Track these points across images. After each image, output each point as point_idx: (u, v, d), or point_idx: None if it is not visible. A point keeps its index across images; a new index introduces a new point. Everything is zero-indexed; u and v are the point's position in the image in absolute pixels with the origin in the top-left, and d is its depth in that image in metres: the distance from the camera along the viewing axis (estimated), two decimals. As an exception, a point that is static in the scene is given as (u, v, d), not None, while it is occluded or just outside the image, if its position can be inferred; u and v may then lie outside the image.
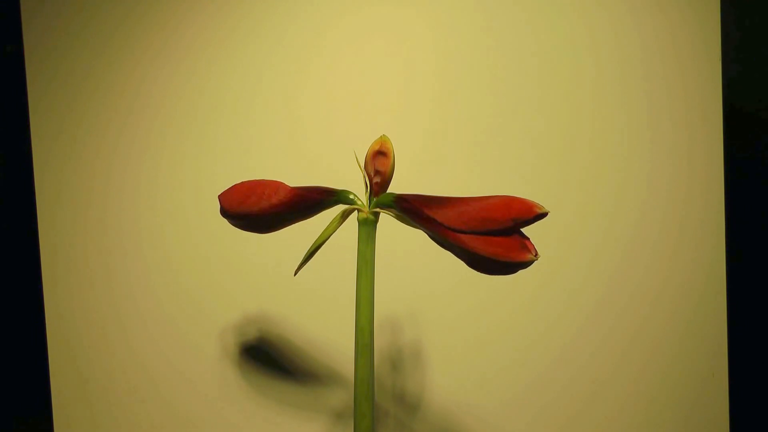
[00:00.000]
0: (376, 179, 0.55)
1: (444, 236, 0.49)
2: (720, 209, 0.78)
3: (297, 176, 0.72)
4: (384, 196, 0.53)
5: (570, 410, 0.78)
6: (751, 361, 0.80)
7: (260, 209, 0.54)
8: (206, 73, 0.76)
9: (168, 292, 0.77)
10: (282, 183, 0.54)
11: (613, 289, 0.78)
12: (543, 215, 0.46)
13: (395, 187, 0.55)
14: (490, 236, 0.47)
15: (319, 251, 0.75)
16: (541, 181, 0.77)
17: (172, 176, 0.77)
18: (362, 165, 0.55)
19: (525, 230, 0.47)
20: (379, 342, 0.77)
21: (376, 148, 0.56)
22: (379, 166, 0.55)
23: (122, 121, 0.77)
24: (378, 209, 0.53)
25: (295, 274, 0.56)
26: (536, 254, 0.46)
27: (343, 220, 0.54)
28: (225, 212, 0.56)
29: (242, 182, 0.56)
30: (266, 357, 0.77)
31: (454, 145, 0.76)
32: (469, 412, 0.78)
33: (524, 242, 0.48)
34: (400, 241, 0.72)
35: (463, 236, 0.47)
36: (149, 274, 0.77)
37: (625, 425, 0.79)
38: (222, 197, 0.56)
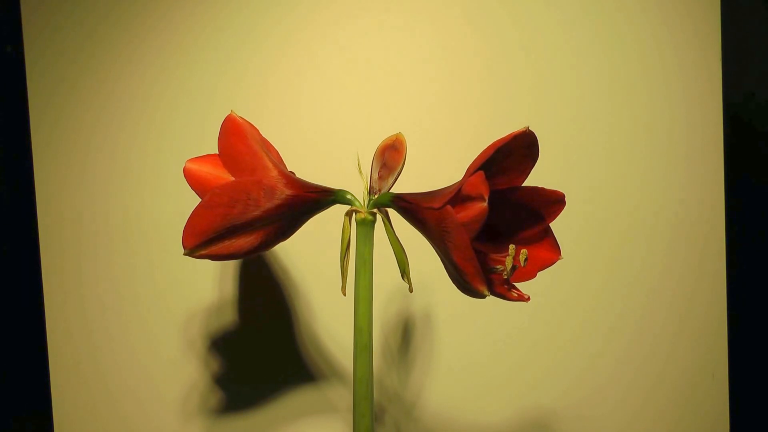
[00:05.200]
0: (382, 172, 0.54)
1: (436, 230, 0.46)
2: (720, 210, 0.78)
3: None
4: (382, 196, 0.52)
5: (569, 411, 0.78)
6: (751, 362, 0.80)
7: (248, 219, 0.47)
8: (207, 71, 0.76)
9: (167, 292, 0.77)
10: (270, 180, 0.48)
11: (613, 291, 0.78)
12: (524, 135, 0.44)
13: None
14: (468, 248, 0.42)
15: (319, 251, 0.76)
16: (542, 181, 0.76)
17: (172, 175, 0.77)
18: (361, 165, 0.55)
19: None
20: (379, 341, 0.77)
21: (389, 142, 0.55)
22: (388, 159, 0.54)
23: (123, 120, 0.77)
24: (376, 209, 0.53)
25: (344, 294, 0.52)
26: (498, 292, 0.43)
27: (350, 220, 0.53)
28: (201, 243, 0.45)
29: (217, 189, 0.47)
30: (266, 356, 0.77)
31: (459, 149, 0.76)
32: (469, 412, 0.78)
33: (493, 278, 0.45)
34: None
35: (448, 222, 0.43)
36: (151, 273, 0.77)
37: (626, 426, 0.79)
38: (195, 220, 0.45)
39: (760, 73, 0.81)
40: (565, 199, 0.48)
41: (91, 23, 0.76)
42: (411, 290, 0.52)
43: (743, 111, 0.79)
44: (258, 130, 0.55)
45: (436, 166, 0.76)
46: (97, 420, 0.78)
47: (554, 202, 0.48)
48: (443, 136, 0.76)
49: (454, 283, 0.46)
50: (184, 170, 0.51)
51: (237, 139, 0.51)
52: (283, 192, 0.49)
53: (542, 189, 0.48)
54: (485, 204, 0.41)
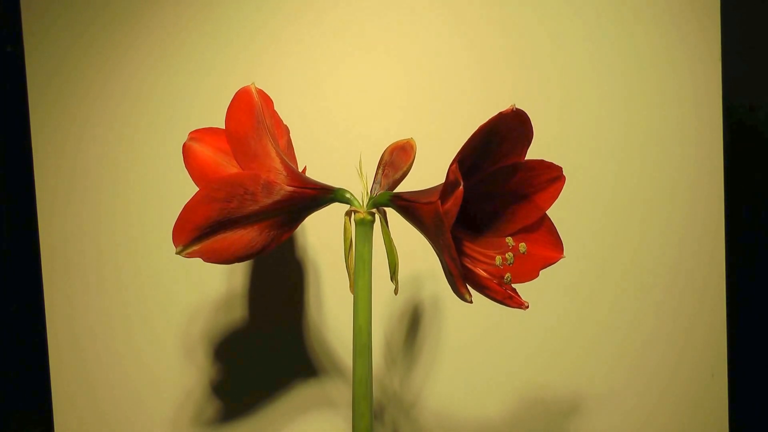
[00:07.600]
0: (387, 171, 0.54)
1: (432, 227, 0.45)
2: (720, 210, 0.78)
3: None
4: (381, 195, 0.52)
5: (569, 412, 0.78)
6: (751, 361, 0.80)
7: (245, 214, 0.46)
8: (207, 71, 0.76)
9: (168, 291, 0.77)
10: (269, 174, 0.47)
11: (613, 291, 0.78)
12: (511, 114, 0.41)
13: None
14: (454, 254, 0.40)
15: (318, 250, 0.76)
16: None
17: (172, 174, 0.77)
18: (363, 165, 0.55)
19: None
20: (379, 341, 0.77)
21: (400, 144, 0.55)
22: (396, 159, 0.54)
23: (123, 120, 0.77)
24: (375, 209, 0.53)
25: (353, 293, 0.52)
26: (497, 299, 0.43)
27: (351, 220, 0.52)
28: (194, 239, 0.43)
29: (215, 184, 0.44)
30: (268, 353, 0.77)
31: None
32: (469, 413, 0.78)
33: (491, 284, 0.44)
34: (399, 241, 0.71)
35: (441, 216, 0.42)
36: (148, 274, 0.77)
37: (625, 425, 0.79)
38: (189, 215, 0.43)
39: (760, 72, 0.80)
40: (563, 173, 0.45)
41: (92, 23, 0.76)
42: (396, 292, 0.52)
43: (743, 109, 0.79)
44: (271, 105, 0.53)
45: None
46: (98, 419, 0.78)
47: (550, 180, 0.46)
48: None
49: (449, 284, 0.46)
50: (185, 148, 0.48)
51: (246, 118, 0.48)
52: (282, 188, 0.48)
53: (538, 164, 0.45)
54: (461, 187, 0.40)
